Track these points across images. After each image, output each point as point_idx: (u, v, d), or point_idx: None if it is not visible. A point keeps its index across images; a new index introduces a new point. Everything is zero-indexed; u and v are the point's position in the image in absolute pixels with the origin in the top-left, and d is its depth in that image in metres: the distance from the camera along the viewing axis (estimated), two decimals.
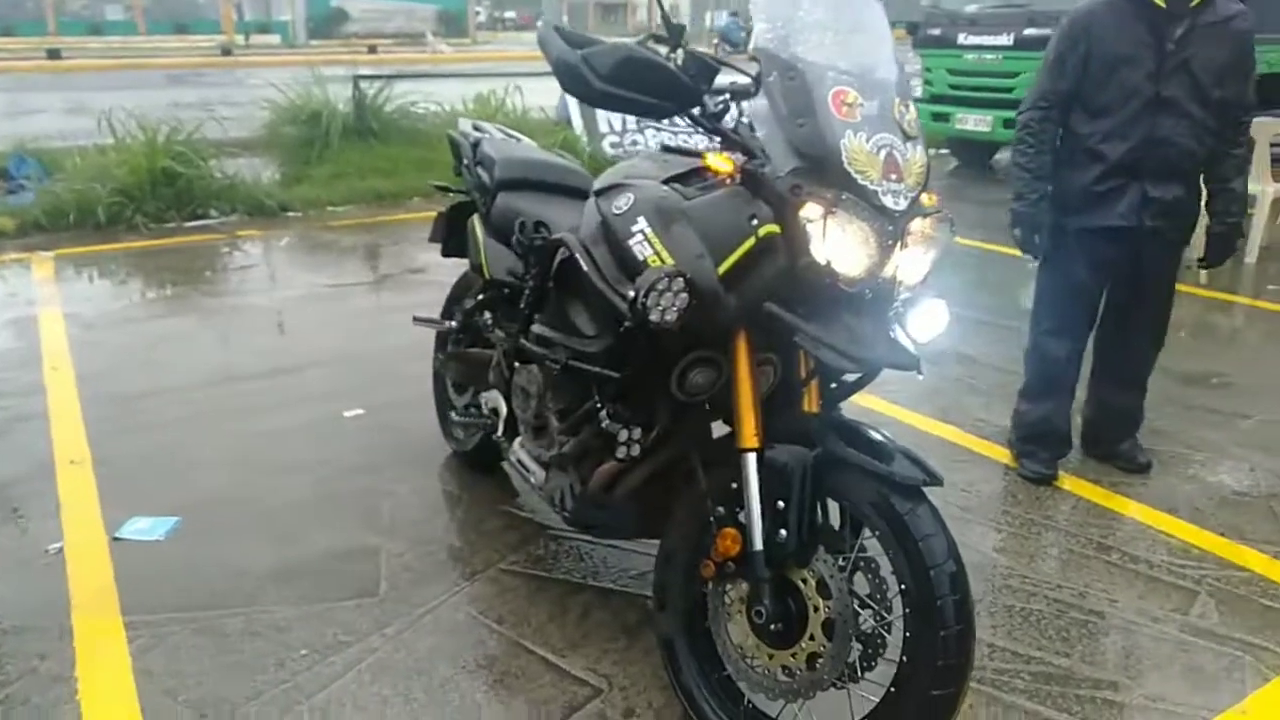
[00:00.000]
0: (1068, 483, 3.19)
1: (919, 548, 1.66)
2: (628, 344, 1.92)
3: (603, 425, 1.99)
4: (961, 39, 8.34)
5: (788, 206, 1.69)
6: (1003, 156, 10.03)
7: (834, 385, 2.04)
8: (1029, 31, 7.55)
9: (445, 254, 3.20)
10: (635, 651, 2.30)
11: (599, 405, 2.00)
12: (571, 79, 1.75)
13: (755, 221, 1.73)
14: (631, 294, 1.76)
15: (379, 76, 8.43)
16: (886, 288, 1.74)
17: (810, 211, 1.67)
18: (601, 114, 9.71)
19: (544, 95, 9.72)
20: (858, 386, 2.08)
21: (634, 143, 9.78)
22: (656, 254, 1.83)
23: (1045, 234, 2.92)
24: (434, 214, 3.19)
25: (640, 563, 2.65)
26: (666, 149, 2.20)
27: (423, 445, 3.36)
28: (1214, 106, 2.80)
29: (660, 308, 1.74)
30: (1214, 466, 3.30)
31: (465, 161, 3.03)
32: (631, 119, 9.94)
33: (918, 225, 1.73)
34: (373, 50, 22.64)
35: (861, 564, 1.80)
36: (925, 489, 1.71)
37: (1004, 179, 9.10)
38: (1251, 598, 2.54)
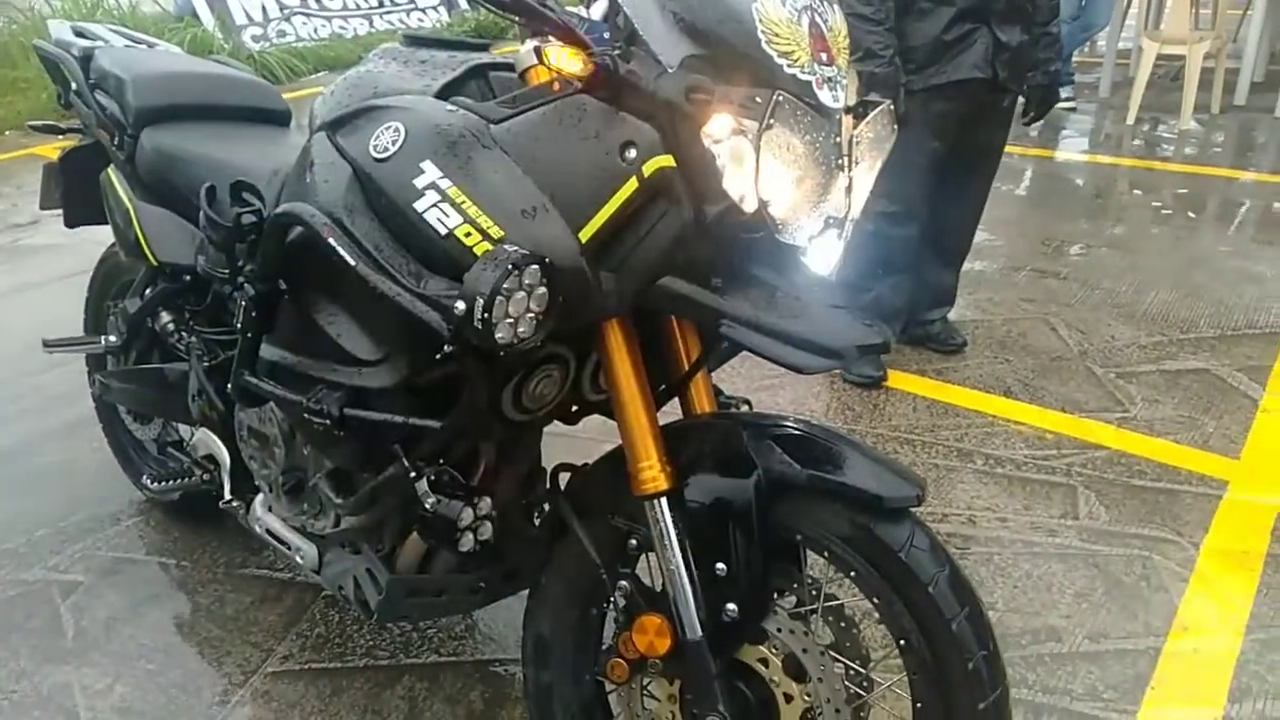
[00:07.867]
0: (895, 379, 2.90)
1: (929, 593, 1.16)
2: (443, 369, 1.20)
3: (428, 506, 1.27)
4: None
5: (685, 122, 1.04)
6: None
7: None
8: None
9: (70, 224, 2.24)
10: None
11: (413, 473, 1.26)
12: None
13: (633, 152, 1.06)
14: (460, 305, 1.04)
15: None
16: (834, 226, 1.15)
17: (722, 126, 1.03)
18: (236, 2, 8.10)
19: None
20: (719, 361, 1.50)
21: (280, 33, 8.27)
22: (468, 222, 1.11)
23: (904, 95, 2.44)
24: (35, 150, 2.17)
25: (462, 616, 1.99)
26: (415, 40, 1.43)
27: (101, 492, 2.40)
28: None
29: (510, 320, 1.04)
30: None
31: (74, 87, 2.03)
32: (273, 5, 8.39)
33: (863, 126, 1.15)
34: None
35: (827, 614, 1.29)
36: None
37: None
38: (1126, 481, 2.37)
